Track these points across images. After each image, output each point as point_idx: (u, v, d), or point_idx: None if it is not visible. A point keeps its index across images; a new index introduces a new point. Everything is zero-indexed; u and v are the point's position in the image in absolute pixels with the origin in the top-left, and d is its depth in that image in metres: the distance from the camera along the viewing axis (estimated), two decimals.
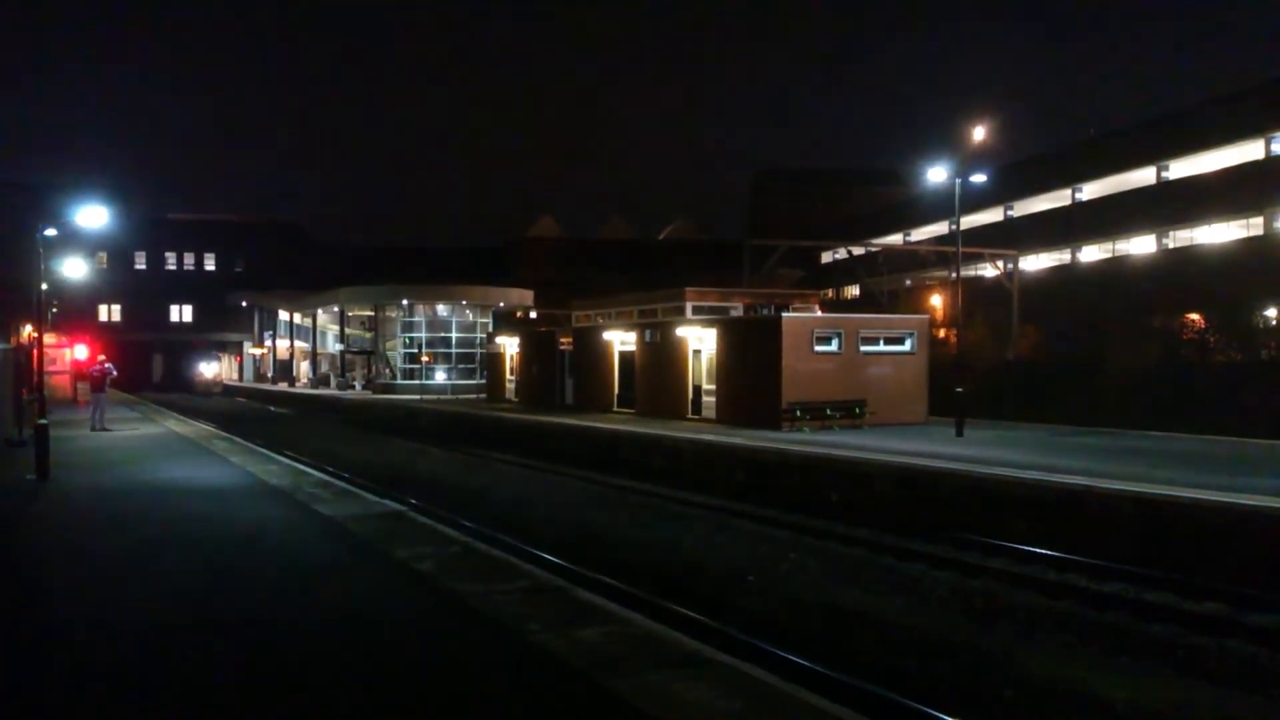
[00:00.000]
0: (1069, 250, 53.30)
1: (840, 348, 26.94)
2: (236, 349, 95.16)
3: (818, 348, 26.61)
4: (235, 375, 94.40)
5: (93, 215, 19.60)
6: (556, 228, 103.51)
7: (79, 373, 44.47)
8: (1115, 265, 49.61)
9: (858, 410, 26.57)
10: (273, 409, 57.38)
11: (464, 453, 29.50)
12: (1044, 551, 13.93)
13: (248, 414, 50.23)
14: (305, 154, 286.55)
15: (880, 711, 7.74)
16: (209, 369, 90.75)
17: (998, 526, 15.34)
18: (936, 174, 25.99)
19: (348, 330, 68.08)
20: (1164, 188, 46.84)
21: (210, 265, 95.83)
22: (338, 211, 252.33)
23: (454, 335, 57.93)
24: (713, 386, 29.05)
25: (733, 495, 19.50)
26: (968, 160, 55.54)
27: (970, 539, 14.96)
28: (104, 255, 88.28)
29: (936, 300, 53.21)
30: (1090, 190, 51.86)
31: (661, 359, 31.13)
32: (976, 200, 48.58)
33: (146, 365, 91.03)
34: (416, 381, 53.53)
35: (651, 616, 8.55)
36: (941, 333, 43.62)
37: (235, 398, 74.71)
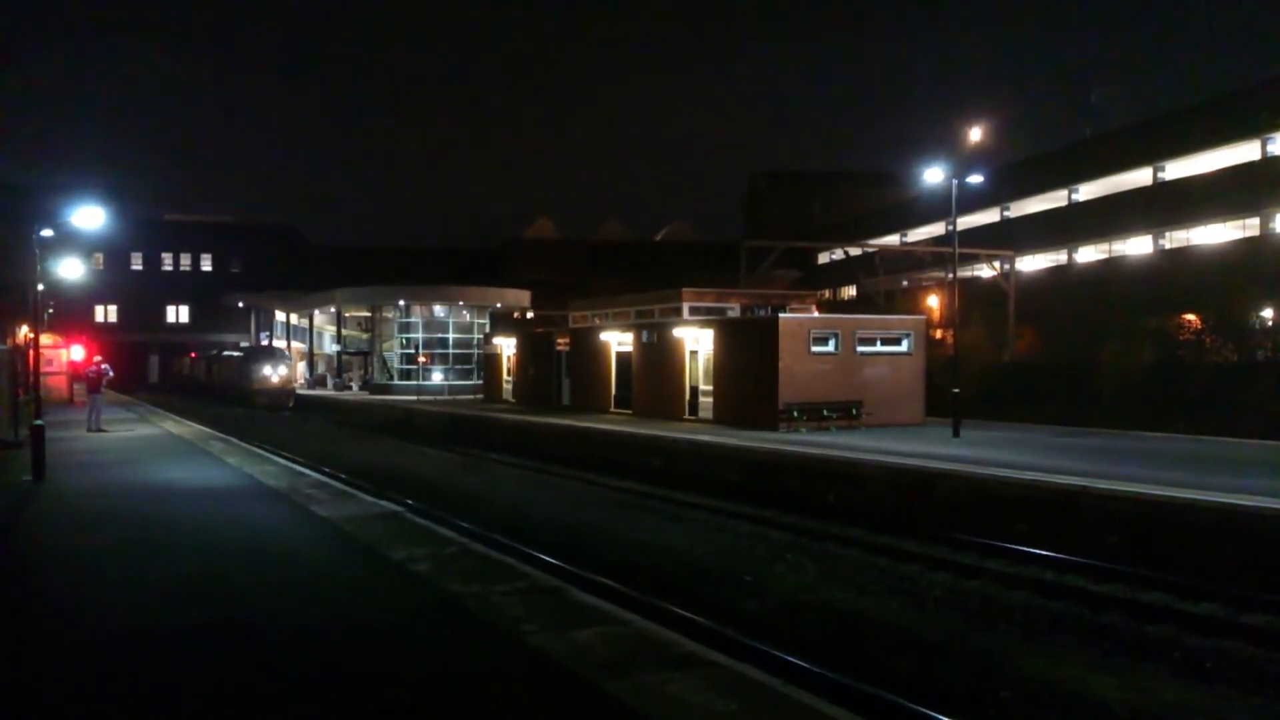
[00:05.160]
0: (1065, 251, 53.34)
1: (837, 348, 26.96)
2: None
3: (815, 348, 26.63)
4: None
5: (89, 216, 19.59)
6: (553, 229, 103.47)
7: (75, 373, 44.45)
8: (1111, 266, 49.65)
9: (855, 411, 26.59)
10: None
11: (461, 453, 29.47)
12: (1041, 552, 13.93)
13: (240, 415, 50.08)
14: (302, 155, 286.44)
15: (877, 712, 7.75)
16: (276, 372, 57.49)
17: (994, 527, 15.35)
18: (933, 175, 26.02)
19: (344, 331, 67.98)
20: (1160, 189, 46.89)
21: (206, 266, 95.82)
22: (334, 212, 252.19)
23: (451, 336, 57.87)
24: (710, 387, 29.05)
25: (729, 496, 19.50)
26: (964, 161, 55.82)
27: (967, 540, 14.96)
28: (100, 256, 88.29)
29: (933, 301, 53.24)
30: (1086, 191, 51.91)
31: (658, 360, 31.13)
32: (973, 201, 48.63)
33: (143, 366, 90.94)
34: (413, 382, 53.47)
35: (648, 617, 8.54)
36: (938, 333, 43.65)
37: (311, 414, 50.77)
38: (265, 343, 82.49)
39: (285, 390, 56.79)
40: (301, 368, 72.82)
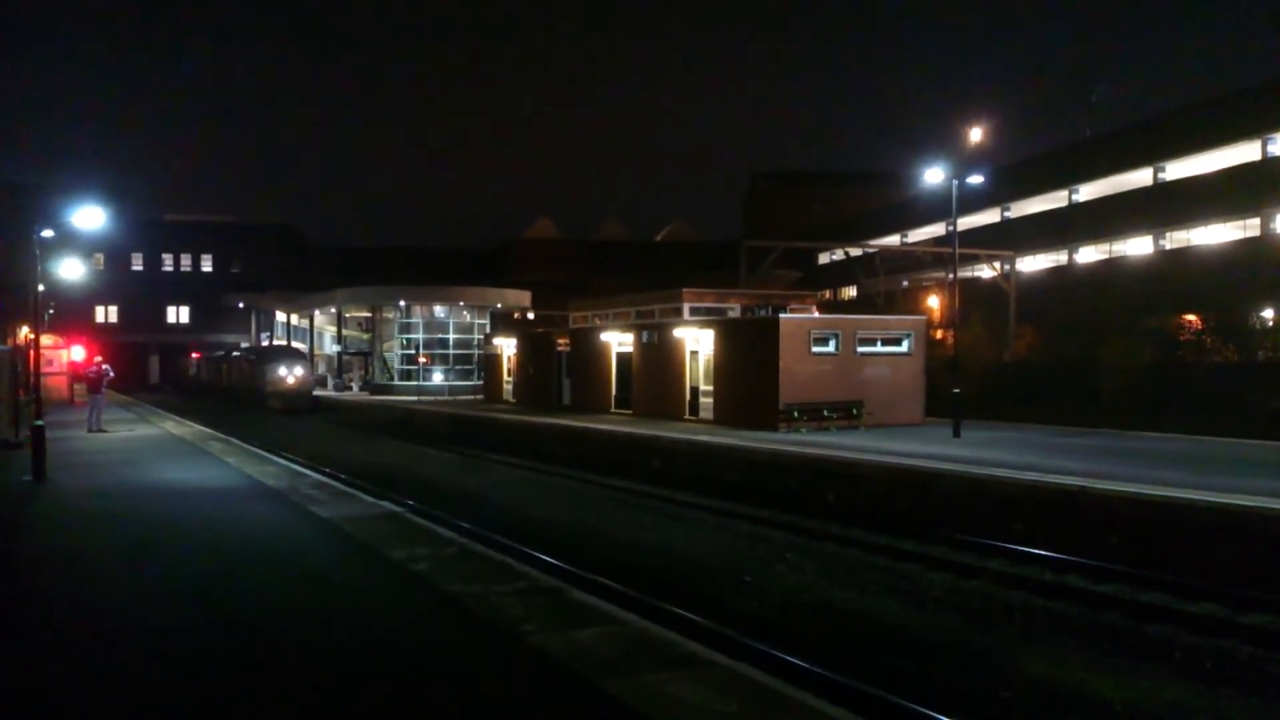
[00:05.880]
0: (1066, 251, 53.37)
1: (837, 349, 26.96)
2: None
3: (815, 349, 26.62)
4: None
5: (89, 216, 19.57)
6: (554, 229, 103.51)
7: (76, 374, 44.45)
8: (1112, 266, 49.67)
9: (855, 411, 26.58)
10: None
11: (461, 454, 29.47)
12: (1040, 552, 13.93)
13: (242, 415, 50.10)
14: (303, 155, 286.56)
15: (877, 712, 7.75)
16: (293, 373, 54.40)
17: (994, 527, 15.35)
18: (933, 175, 25.99)
19: (345, 331, 67.97)
20: (1160, 189, 46.90)
21: (207, 266, 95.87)
22: (335, 213, 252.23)
23: (451, 336, 57.87)
24: (710, 387, 29.05)
25: (730, 496, 19.50)
26: (965, 161, 55.82)
27: (966, 540, 14.96)
28: (101, 256, 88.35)
29: (934, 301, 53.25)
30: (1087, 191, 51.93)
31: (659, 360, 31.13)
32: (973, 201, 48.63)
33: (143, 366, 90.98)
34: (414, 383, 53.47)
35: (648, 617, 8.55)
36: (939, 334, 43.65)
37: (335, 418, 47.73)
38: (265, 343, 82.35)
39: (302, 392, 53.81)
40: None
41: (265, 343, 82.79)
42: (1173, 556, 13.02)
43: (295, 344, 74.92)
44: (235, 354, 67.87)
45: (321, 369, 71.01)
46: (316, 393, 59.46)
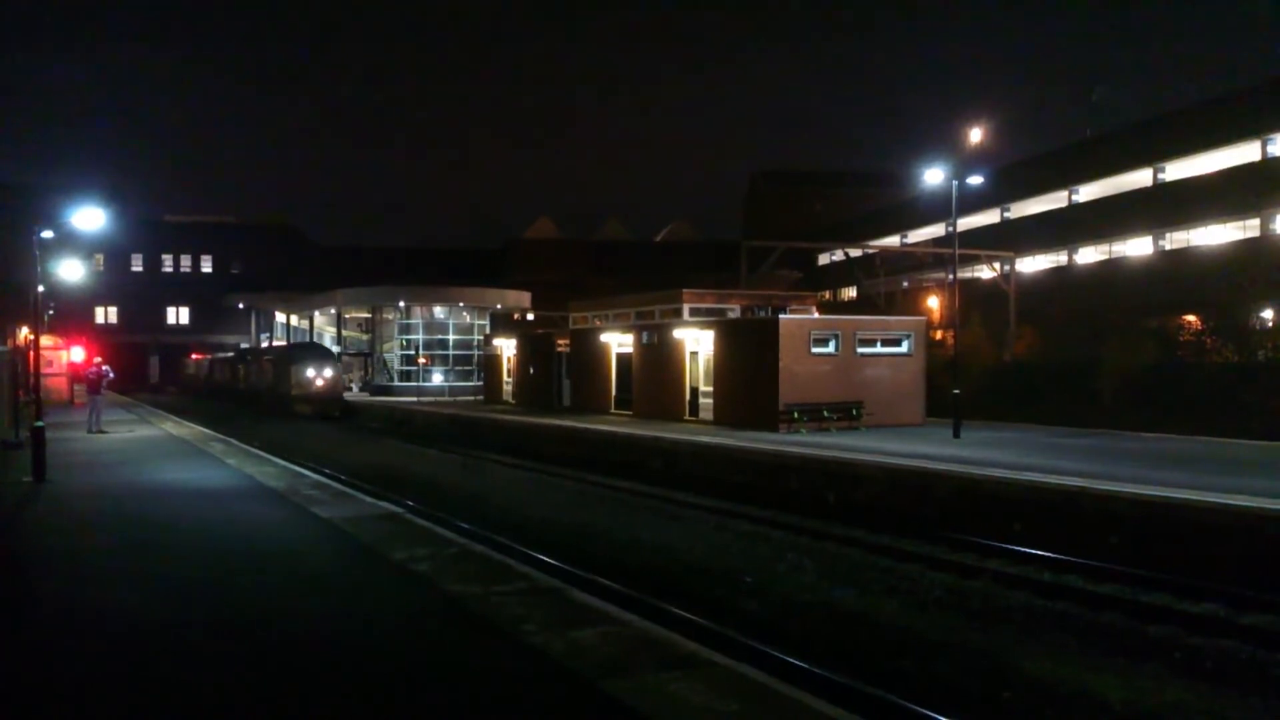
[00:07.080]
0: (1066, 252, 53.34)
1: (837, 349, 26.96)
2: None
3: (815, 349, 26.63)
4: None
5: (89, 217, 19.54)
6: (554, 229, 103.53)
7: (75, 375, 44.44)
8: (1112, 267, 49.65)
9: (855, 412, 26.59)
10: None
11: (461, 454, 29.46)
12: (1040, 553, 13.93)
13: (241, 415, 50.06)
14: (303, 155, 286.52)
15: (878, 713, 7.75)
16: (322, 374, 49.66)
17: (994, 528, 15.35)
18: (933, 176, 25.99)
19: (345, 332, 67.96)
20: (1160, 189, 46.88)
21: (207, 267, 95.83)
22: (335, 212, 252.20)
23: (451, 337, 57.87)
24: (710, 388, 29.05)
25: (730, 497, 19.50)
26: (965, 162, 55.83)
27: (967, 540, 14.96)
28: (101, 257, 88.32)
29: (934, 302, 53.24)
30: (1087, 192, 51.90)
31: (659, 361, 31.13)
32: (974, 202, 48.60)
33: (143, 367, 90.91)
34: (413, 383, 53.45)
35: (648, 617, 8.55)
36: (939, 334, 43.65)
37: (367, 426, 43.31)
38: (265, 343, 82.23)
39: (333, 396, 49.40)
40: None
41: (265, 343, 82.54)
42: (1173, 557, 13.02)
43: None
44: (253, 352, 65.16)
45: None
46: None
